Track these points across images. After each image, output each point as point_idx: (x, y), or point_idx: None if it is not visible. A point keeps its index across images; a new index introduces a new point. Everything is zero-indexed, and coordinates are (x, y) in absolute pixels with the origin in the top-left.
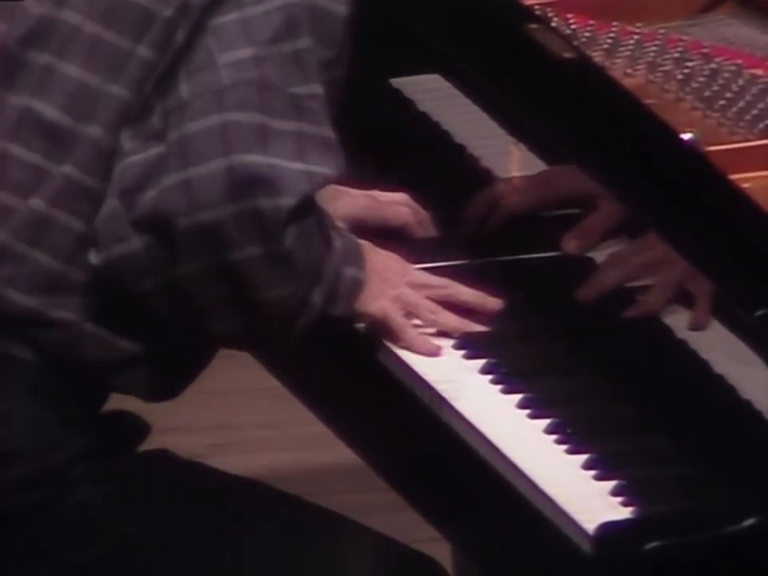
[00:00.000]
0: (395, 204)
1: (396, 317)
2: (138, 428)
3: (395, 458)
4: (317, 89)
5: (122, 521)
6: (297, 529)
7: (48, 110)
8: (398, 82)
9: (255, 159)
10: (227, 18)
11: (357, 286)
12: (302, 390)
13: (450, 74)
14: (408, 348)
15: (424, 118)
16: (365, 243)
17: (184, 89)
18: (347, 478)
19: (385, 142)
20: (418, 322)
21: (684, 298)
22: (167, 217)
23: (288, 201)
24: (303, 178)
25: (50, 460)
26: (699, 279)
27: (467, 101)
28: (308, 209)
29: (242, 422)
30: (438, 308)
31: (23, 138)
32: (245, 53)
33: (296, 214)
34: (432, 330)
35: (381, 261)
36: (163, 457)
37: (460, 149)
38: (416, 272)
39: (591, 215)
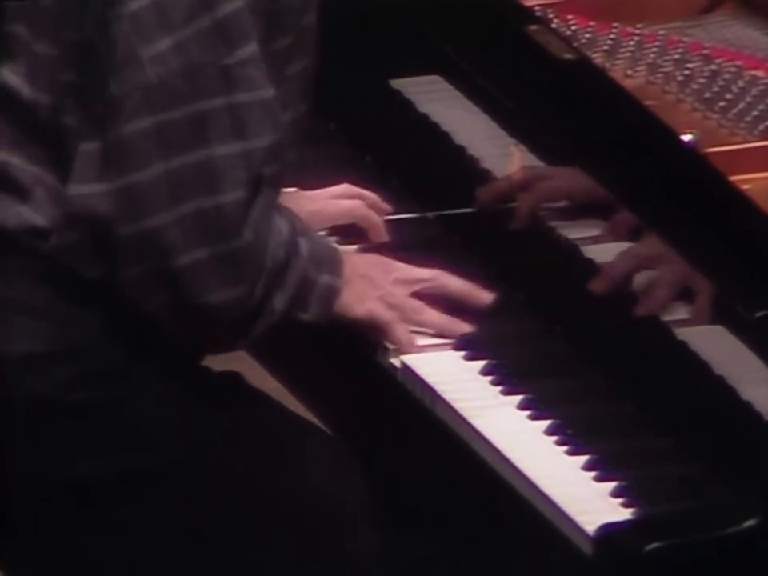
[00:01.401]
0: (338, 200)
1: (383, 317)
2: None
3: (396, 459)
4: (247, 51)
5: (187, 431)
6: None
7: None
8: (398, 83)
9: (193, 158)
10: (139, 4)
11: (332, 292)
12: (302, 391)
13: (450, 74)
14: (398, 346)
15: (424, 118)
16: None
17: (112, 84)
18: None
19: (385, 143)
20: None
21: (685, 298)
22: (107, 222)
23: (228, 196)
24: (241, 164)
25: (107, 360)
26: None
27: (467, 102)
28: (251, 195)
29: None
30: (424, 307)
31: None
32: (165, 42)
33: (239, 206)
34: (431, 330)
35: (364, 262)
36: (235, 379)
37: (460, 150)
38: (403, 269)
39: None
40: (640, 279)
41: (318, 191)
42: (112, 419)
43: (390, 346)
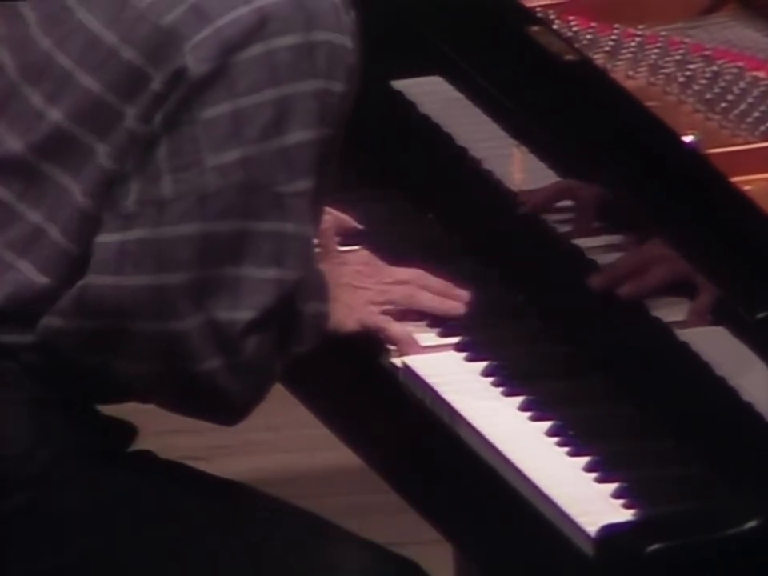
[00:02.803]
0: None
1: (376, 322)
2: (125, 431)
3: (397, 460)
4: (303, 185)
5: (105, 522)
6: (278, 532)
7: (18, 146)
8: (399, 84)
9: (225, 272)
10: (218, 111)
11: (321, 318)
12: (303, 392)
13: (451, 76)
14: (398, 345)
15: (425, 120)
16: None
17: (167, 184)
18: (349, 480)
19: (386, 144)
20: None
21: (686, 299)
22: (129, 316)
23: (245, 314)
24: (270, 289)
25: (30, 463)
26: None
27: (469, 103)
28: (270, 319)
29: (243, 424)
30: (413, 290)
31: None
32: (233, 155)
33: (254, 325)
34: (434, 331)
35: (348, 272)
36: (146, 458)
37: (461, 151)
38: (385, 270)
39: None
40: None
41: None
42: (32, 522)
43: (391, 347)
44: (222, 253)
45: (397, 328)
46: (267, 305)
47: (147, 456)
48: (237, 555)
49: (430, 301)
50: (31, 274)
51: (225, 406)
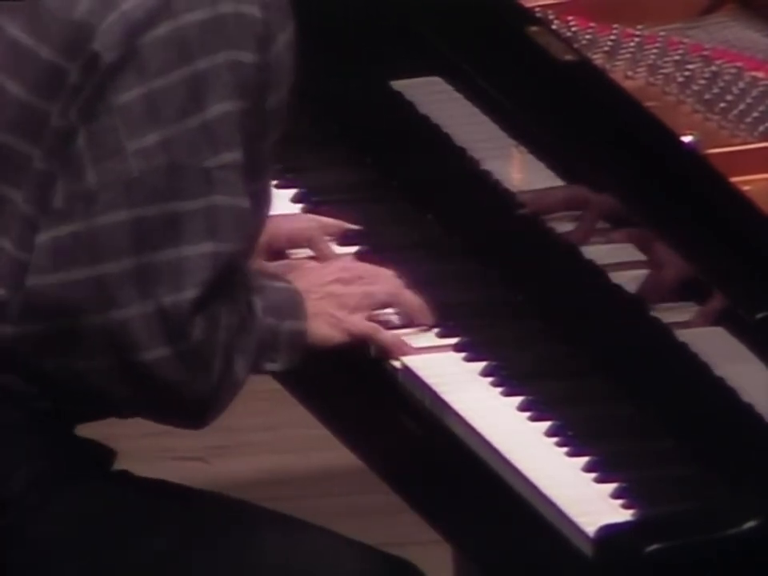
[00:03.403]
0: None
1: (363, 330)
2: (102, 454)
3: (395, 461)
4: (230, 157)
5: (83, 546)
6: (265, 540)
7: None
8: (398, 85)
9: (164, 255)
10: (133, 95)
11: (298, 336)
12: (302, 392)
13: (450, 76)
14: (389, 349)
15: (424, 120)
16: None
17: (91, 176)
18: (347, 481)
19: (385, 145)
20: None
21: (685, 300)
22: (74, 312)
23: (188, 293)
24: (208, 264)
25: (5, 488)
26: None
27: (468, 103)
28: (213, 296)
29: (241, 424)
30: (397, 287)
31: None
32: (152, 138)
33: (198, 303)
34: (433, 331)
35: (328, 281)
36: (123, 478)
37: (460, 151)
38: (367, 274)
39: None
40: (641, 280)
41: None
42: (23, 543)
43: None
44: (157, 236)
45: (385, 333)
46: (207, 279)
47: (125, 476)
48: (223, 565)
49: (412, 300)
50: None
51: (180, 401)
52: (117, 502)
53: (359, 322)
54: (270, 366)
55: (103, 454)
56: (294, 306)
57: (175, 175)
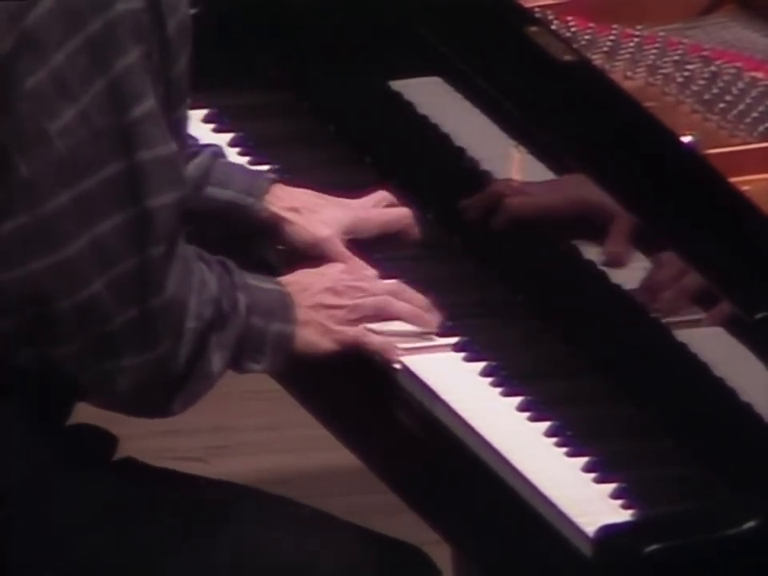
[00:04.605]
0: (383, 207)
1: (352, 337)
2: (105, 441)
3: (395, 461)
4: (143, 107)
5: (89, 534)
6: (270, 526)
7: None
8: (397, 85)
9: (113, 221)
10: (38, 78)
11: (285, 339)
12: (302, 392)
13: (450, 76)
14: (381, 354)
15: (424, 120)
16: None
17: (22, 166)
18: (347, 481)
19: (384, 145)
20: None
21: (685, 300)
22: (44, 301)
23: (151, 251)
24: (159, 218)
25: (6, 479)
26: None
27: (467, 103)
28: (169, 251)
29: (241, 424)
30: (388, 299)
31: None
32: (69, 113)
33: (160, 260)
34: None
35: (320, 290)
36: (128, 465)
37: (460, 151)
38: (362, 284)
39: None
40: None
41: (363, 199)
42: (25, 534)
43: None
44: (103, 206)
45: (375, 338)
46: (163, 233)
47: (130, 463)
48: (228, 553)
49: (403, 311)
50: None
51: (150, 377)
52: (119, 490)
53: (347, 330)
54: (253, 367)
55: (104, 440)
56: (283, 308)
57: (99, 141)
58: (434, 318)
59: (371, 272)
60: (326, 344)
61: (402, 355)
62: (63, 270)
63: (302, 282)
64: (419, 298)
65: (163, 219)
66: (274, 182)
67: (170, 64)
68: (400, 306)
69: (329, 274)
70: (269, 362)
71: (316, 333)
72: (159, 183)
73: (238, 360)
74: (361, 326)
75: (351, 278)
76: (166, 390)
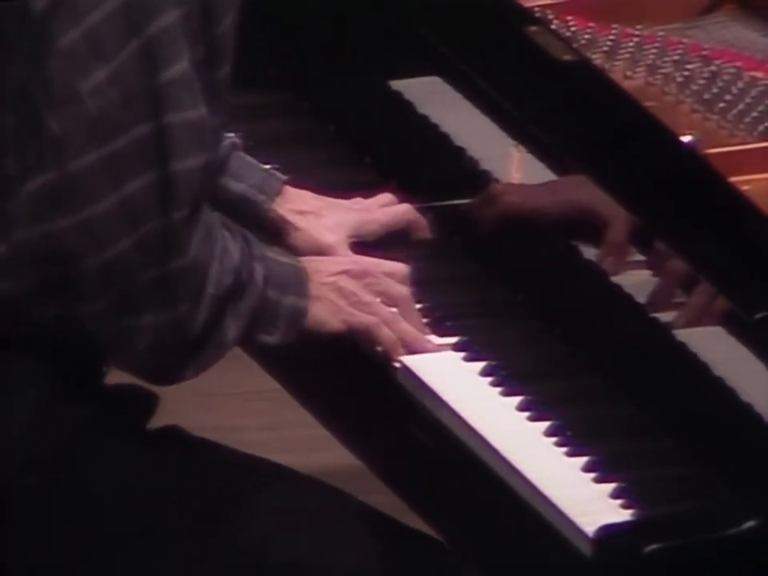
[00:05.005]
0: (387, 208)
1: (362, 323)
2: (145, 401)
3: (395, 461)
4: (175, 70)
5: (132, 499)
6: (300, 511)
7: None
8: (397, 84)
9: (141, 182)
10: (71, 38)
11: (298, 313)
12: (302, 393)
13: (449, 76)
14: (386, 347)
15: (423, 120)
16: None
17: (53, 123)
18: (347, 481)
19: (384, 144)
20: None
21: (684, 300)
22: (70, 259)
23: (175, 214)
24: (195, 178)
25: (49, 441)
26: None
27: (467, 103)
28: (194, 214)
29: (241, 424)
30: (397, 318)
31: None
32: (101, 74)
33: (184, 223)
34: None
35: (336, 272)
36: (173, 434)
37: (459, 151)
38: (374, 272)
39: (610, 231)
40: (639, 281)
41: (367, 201)
42: (62, 498)
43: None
44: (131, 166)
45: (384, 331)
46: (187, 195)
47: (173, 431)
48: (260, 534)
49: (387, 340)
50: None
51: (168, 336)
52: (161, 457)
53: (359, 314)
54: (266, 339)
55: (145, 401)
56: (298, 283)
57: (130, 102)
58: (426, 344)
59: (397, 268)
60: (334, 323)
61: (402, 354)
62: (90, 228)
63: (318, 261)
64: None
65: (187, 183)
66: (286, 183)
67: (214, 23)
68: (386, 334)
69: (347, 258)
70: (281, 335)
71: (326, 310)
72: (185, 147)
73: (252, 331)
74: (373, 316)
75: (368, 263)
76: (181, 354)
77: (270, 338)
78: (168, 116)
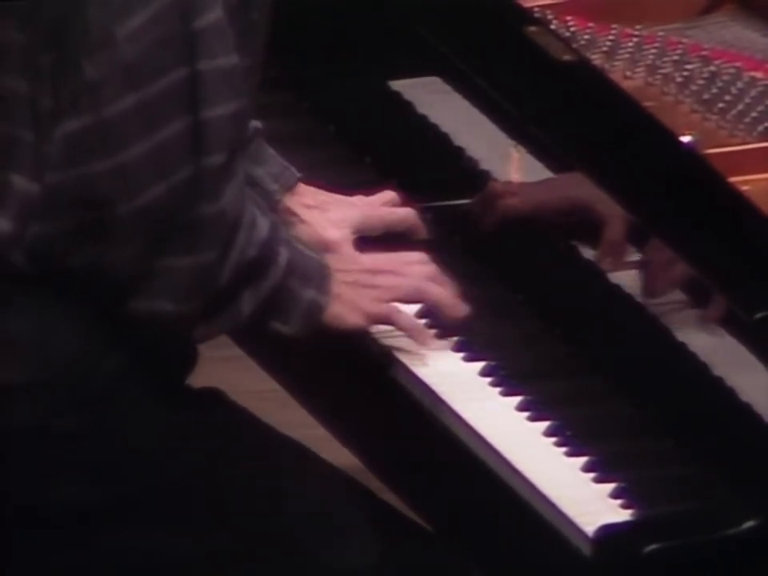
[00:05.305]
0: (390, 207)
1: (381, 313)
2: (185, 355)
3: (395, 461)
4: (209, 17)
5: (164, 455)
6: (324, 499)
7: None
8: (397, 84)
9: (175, 127)
10: None
11: (317, 308)
12: (302, 393)
13: (449, 76)
14: (408, 332)
15: (423, 120)
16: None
17: (88, 68)
18: None
19: (384, 144)
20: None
21: (685, 300)
22: (103, 204)
23: (211, 159)
24: (228, 125)
25: (90, 384)
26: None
27: (466, 103)
28: (229, 161)
29: None
30: (422, 280)
31: None
32: (138, 19)
33: (220, 169)
34: (432, 332)
35: (357, 270)
36: (215, 396)
37: (459, 151)
38: (392, 263)
39: (605, 228)
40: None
41: (371, 198)
42: (96, 445)
43: (386, 345)
44: (165, 112)
45: (405, 317)
46: (221, 142)
47: (215, 393)
48: (277, 518)
49: (439, 294)
50: (26, 186)
51: (188, 281)
52: (202, 420)
53: (376, 307)
54: (279, 327)
55: (186, 352)
56: (320, 277)
57: (165, 47)
58: (464, 308)
59: (415, 256)
60: (353, 318)
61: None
62: (124, 173)
63: (340, 258)
64: (451, 285)
65: (218, 130)
66: (300, 180)
67: None
68: (435, 289)
69: (368, 255)
70: (295, 327)
71: (346, 307)
72: (217, 94)
73: (266, 316)
74: (393, 304)
75: (389, 259)
76: (197, 306)
77: (284, 328)
78: (201, 63)
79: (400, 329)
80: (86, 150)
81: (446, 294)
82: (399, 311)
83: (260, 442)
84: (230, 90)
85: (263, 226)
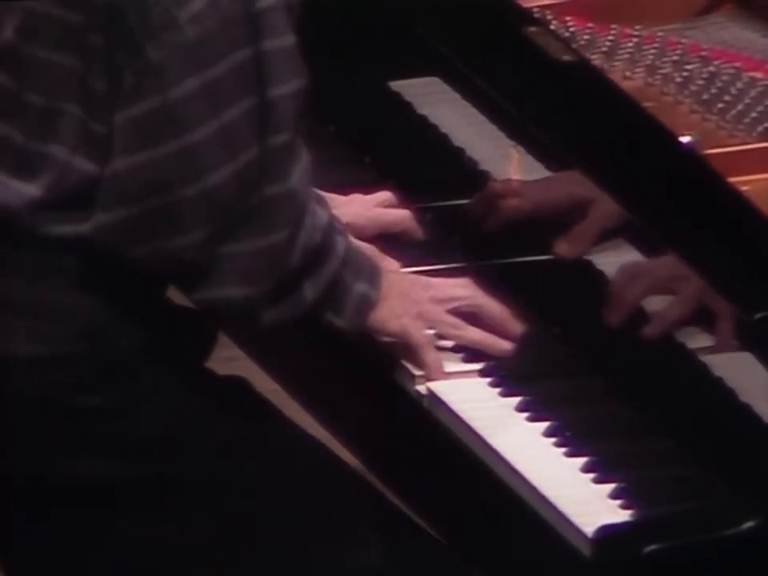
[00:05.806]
0: (387, 207)
1: (416, 338)
2: (204, 331)
3: (394, 461)
4: None
5: (193, 438)
6: (339, 500)
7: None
8: (397, 85)
9: (240, 108)
10: None
11: (367, 302)
12: (302, 393)
13: (449, 76)
14: (426, 370)
15: (423, 120)
16: (388, 262)
17: (151, 51)
18: None
19: (384, 145)
20: (441, 342)
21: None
22: (170, 188)
23: (276, 139)
24: (286, 106)
25: (112, 363)
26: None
27: (466, 103)
28: (294, 139)
29: None
30: (462, 323)
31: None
32: (199, 2)
33: (287, 147)
34: (432, 332)
35: (403, 279)
36: (241, 384)
37: (459, 151)
38: (440, 286)
39: (583, 220)
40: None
41: (367, 198)
42: (115, 424)
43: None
44: (230, 93)
45: (432, 355)
46: (287, 121)
47: (241, 383)
48: (289, 514)
49: (478, 335)
50: (65, 156)
51: (259, 263)
52: (228, 405)
53: (417, 328)
54: (333, 319)
55: (205, 330)
56: (372, 273)
57: (228, 29)
58: (506, 343)
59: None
60: (394, 325)
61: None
62: (191, 155)
63: (390, 262)
64: (499, 309)
65: (284, 109)
66: None
67: None
68: (474, 333)
69: (420, 277)
70: (347, 319)
71: (389, 310)
72: (282, 73)
73: (322, 304)
74: (431, 333)
75: (432, 284)
76: (269, 289)
77: (337, 320)
78: (265, 42)
79: (421, 364)
80: (152, 134)
81: (434, 365)
82: (431, 346)
83: (280, 434)
84: (293, 68)
85: (322, 213)
